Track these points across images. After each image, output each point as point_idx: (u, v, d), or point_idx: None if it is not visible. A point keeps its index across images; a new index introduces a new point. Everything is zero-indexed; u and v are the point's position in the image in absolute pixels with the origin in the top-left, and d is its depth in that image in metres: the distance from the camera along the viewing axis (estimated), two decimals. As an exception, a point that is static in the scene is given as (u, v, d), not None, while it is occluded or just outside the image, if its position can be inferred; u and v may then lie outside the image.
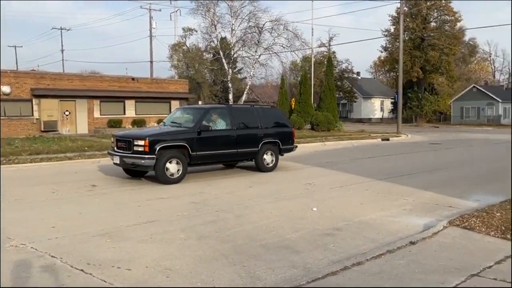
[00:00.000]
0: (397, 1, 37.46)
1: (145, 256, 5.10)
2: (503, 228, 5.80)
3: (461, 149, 19.73)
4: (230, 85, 38.41)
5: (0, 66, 58.92)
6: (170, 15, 77.17)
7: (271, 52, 37.16)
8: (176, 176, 10.06)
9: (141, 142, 9.81)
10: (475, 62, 71.29)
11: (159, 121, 29.86)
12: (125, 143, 10.29)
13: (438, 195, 8.70)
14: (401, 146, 20.96)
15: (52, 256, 5.04)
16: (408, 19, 47.60)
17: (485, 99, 48.88)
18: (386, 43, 52.45)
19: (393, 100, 54.31)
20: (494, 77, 75.53)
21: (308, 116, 32.00)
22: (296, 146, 13.59)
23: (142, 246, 5.47)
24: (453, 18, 49.55)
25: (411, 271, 4.48)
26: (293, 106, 34.65)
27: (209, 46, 45.14)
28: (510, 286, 4.01)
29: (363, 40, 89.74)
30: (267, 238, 5.83)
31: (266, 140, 12.04)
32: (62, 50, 58.82)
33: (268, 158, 12.16)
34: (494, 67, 78.44)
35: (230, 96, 38.65)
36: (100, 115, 28.49)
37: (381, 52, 55.42)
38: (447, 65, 49.38)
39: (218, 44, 38.47)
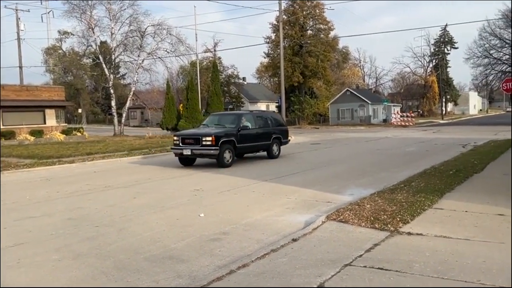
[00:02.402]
0: (277, 9, 39.25)
1: (10, 283, 4.54)
2: (372, 218, 6.36)
3: (338, 147, 21.37)
4: (112, 91, 36.48)
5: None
6: (42, 17, 71.19)
7: (155, 57, 36.21)
8: (229, 161, 14.09)
9: (209, 138, 13.68)
10: (348, 67, 78.01)
11: (33, 132, 27.23)
12: (193, 140, 14.11)
13: (318, 192, 9.26)
14: (285, 148, 21.91)
15: None
16: (287, 27, 50.26)
17: (357, 101, 53.64)
18: (268, 49, 54.70)
19: (277, 104, 56.91)
20: (364, 81, 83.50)
21: (196, 122, 31.85)
22: (289, 140, 18.23)
23: (7, 273, 4.86)
24: (326, 27, 53.63)
25: (292, 267, 4.66)
26: (181, 111, 34.27)
27: (87, 51, 42.52)
28: (379, 271, 4.39)
29: (247, 46, 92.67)
30: (152, 250, 5.61)
31: (274, 136, 16.48)
32: None
33: (275, 148, 16.58)
34: (364, 72, 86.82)
35: (113, 103, 36.69)
36: (-43, 127, 25.01)
37: (264, 58, 57.66)
38: (323, 70, 53.20)
39: (98, 49, 36.33)
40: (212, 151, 13.69)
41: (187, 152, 14.03)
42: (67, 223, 7.11)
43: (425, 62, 79.68)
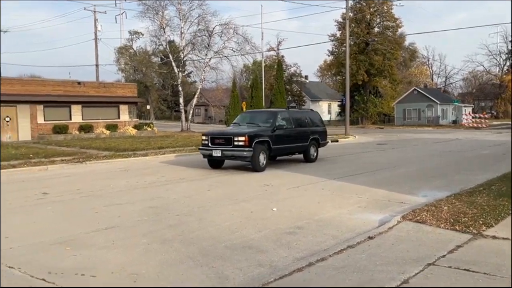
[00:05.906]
0: (343, 7, 38.67)
1: (109, 262, 4.99)
2: (452, 220, 6.21)
3: (406, 148, 20.74)
4: (180, 88, 37.94)
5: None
6: (116, 18, 75.26)
7: (221, 56, 37.15)
8: (264, 164, 12.61)
9: (242, 138, 12.21)
10: (415, 66, 75.12)
11: (109, 127, 29.04)
12: (224, 140, 12.63)
13: (389, 192, 9.12)
14: (350, 147, 21.68)
15: (9, 267, 4.81)
16: (353, 24, 49.30)
17: (425, 101, 51.56)
18: (332, 47, 53.96)
19: (340, 103, 56.08)
20: (432, 80, 79.87)
21: (259, 119, 32.31)
22: (328, 142, 16.48)
23: (104, 252, 5.34)
24: (394, 24, 51.93)
25: (372, 263, 4.70)
26: (244, 109, 34.88)
27: (157, 50, 44.43)
28: (466, 272, 4.32)
29: (311, 45, 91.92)
30: (232, 239, 5.88)
31: (312, 137, 14.69)
32: (-1, 53, 55.51)
33: (312, 151, 14.79)
34: (432, 70, 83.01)
35: (181, 100, 38.15)
36: (44, 121, 27.17)
37: (328, 56, 56.99)
38: (390, 68, 51.63)
39: (167, 48, 37.92)
40: (245, 153, 12.23)
41: (216, 153, 12.57)
42: (149, 211, 7.60)
43: (501, 60, 74.71)
